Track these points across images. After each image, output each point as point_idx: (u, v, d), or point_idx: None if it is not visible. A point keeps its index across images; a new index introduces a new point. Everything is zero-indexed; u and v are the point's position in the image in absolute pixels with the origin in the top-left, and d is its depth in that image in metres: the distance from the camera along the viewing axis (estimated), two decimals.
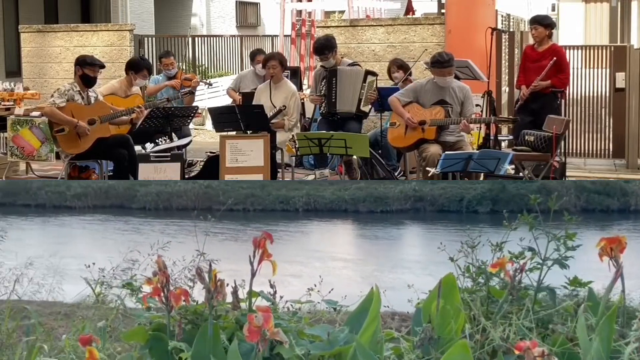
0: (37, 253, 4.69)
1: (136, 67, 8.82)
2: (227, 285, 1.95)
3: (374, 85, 8.69)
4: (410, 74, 9.26)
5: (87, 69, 7.81)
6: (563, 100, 9.18)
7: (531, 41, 9.12)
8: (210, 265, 1.94)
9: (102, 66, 8.10)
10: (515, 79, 9.76)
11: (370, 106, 8.74)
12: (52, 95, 7.94)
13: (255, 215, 17.00)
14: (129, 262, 3.63)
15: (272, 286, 2.13)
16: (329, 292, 2.70)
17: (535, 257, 2.11)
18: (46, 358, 2.83)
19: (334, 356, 1.85)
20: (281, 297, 2.21)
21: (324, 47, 8.68)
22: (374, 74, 8.84)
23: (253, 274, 1.93)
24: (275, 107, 8.15)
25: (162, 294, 1.93)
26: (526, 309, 1.96)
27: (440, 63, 7.46)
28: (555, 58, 8.68)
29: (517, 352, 1.67)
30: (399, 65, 9.35)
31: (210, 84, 12.33)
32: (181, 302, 1.94)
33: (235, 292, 1.97)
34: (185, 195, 17.29)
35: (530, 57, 8.96)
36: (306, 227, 16.44)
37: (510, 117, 8.72)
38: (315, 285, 2.86)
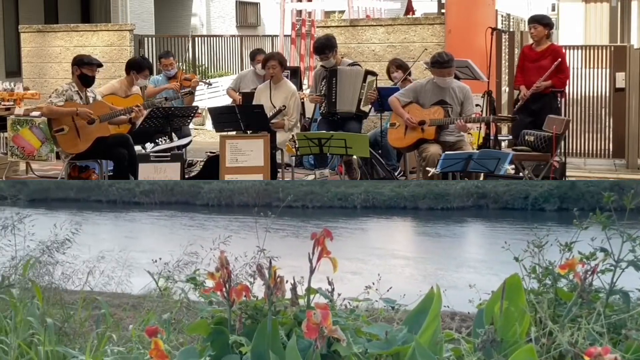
0: (108, 247, 4.81)
1: (138, 67, 8.84)
2: (287, 281, 1.97)
3: (374, 85, 8.69)
4: (409, 74, 9.26)
5: (85, 69, 7.81)
6: (563, 100, 9.18)
7: (531, 41, 9.12)
8: (270, 262, 1.96)
9: (100, 65, 8.11)
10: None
11: (370, 106, 8.74)
12: (50, 96, 7.95)
13: (314, 212, 17.05)
14: (189, 255, 3.76)
15: (330, 283, 2.13)
16: (387, 290, 2.68)
17: (608, 258, 2.01)
18: (115, 347, 2.99)
19: (391, 355, 1.83)
20: (339, 295, 2.19)
21: (325, 46, 8.68)
22: (373, 73, 8.84)
23: (312, 271, 1.93)
24: (275, 107, 8.15)
25: (224, 289, 1.97)
26: (597, 313, 1.87)
27: (440, 63, 7.46)
28: (559, 59, 8.69)
29: (587, 358, 1.59)
30: (398, 65, 9.35)
31: (209, 84, 12.33)
32: (242, 298, 1.97)
33: (294, 289, 1.99)
34: (246, 192, 17.47)
35: (528, 57, 8.95)
36: (365, 224, 16.36)
37: (509, 115, 8.72)
38: (373, 284, 2.83)
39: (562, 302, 2.03)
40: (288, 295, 1.98)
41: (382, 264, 10.52)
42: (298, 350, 1.78)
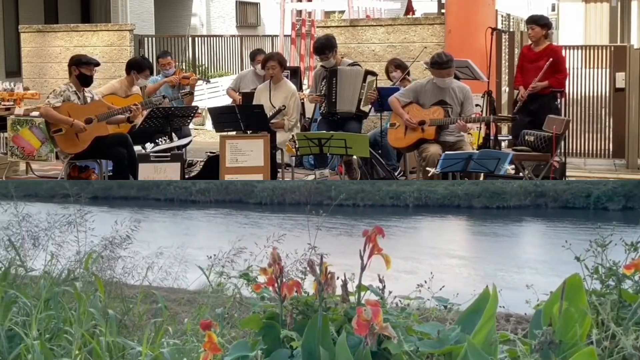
0: (166, 243, 4.99)
1: (138, 67, 8.84)
2: (337, 278, 1.97)
3: (374, 85, 8.69)
4: (408, 74, 9.26)
5: (83, 68, 7.81)
6: (563, 100, 9.17)
7: (530, 42, 9.12)
8: (321, 259, 1.96)
9: (97, 64, 8.10)
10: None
11: (370, 106, 8.74)
12: (47, 97, 7.94)
13: (365, 211, 17.01)
14: (240, 250, 3.90)
15: (381, 281, 2.12)
16: (440, 289, 2.65)
17: None
18: (170, 339, 3.12)
19: (443, 355, 1.81)
20: (390, 293, 2.18)
21: (325, 46, 8.68)
22: (373, 73, 8.84)
23: (363, 268, 1.93)
24: (274, 107, 8.15)
25: (275, 285, 1.99)
26: None
27: (439, 64, 7.46)
28: (551, 59, 8.66)
29: None
30: (397, 65, 9.35)
31: (208, 80, 12.32)
32: (293, 293, 2.00)
33: (344, 285, 1.99)
34: (298, 191, 17.53)
35: (527, 57, 8.95)
36: (418, 223, 16.27)
37: (509, 115, 8.72)
38: (425, 282, 2.82)
39: (627, 304, 1.96)
40: (339, 292, 1.98)
41: (434, 262, 10.42)
42: (348, 346, 1.77)
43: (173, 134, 8.79)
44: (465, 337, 1.78)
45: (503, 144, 9.24)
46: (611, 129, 10.58)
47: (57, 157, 8.97)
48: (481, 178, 7.75)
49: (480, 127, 8.05)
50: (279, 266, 1.99)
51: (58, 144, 7.77)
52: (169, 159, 7.80)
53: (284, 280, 1.99)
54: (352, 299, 1.99)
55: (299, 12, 18.69)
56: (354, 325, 1.74)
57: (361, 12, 18.79)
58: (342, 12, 20.34)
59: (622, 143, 10.26)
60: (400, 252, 10.40)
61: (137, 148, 8.20)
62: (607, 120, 10.75)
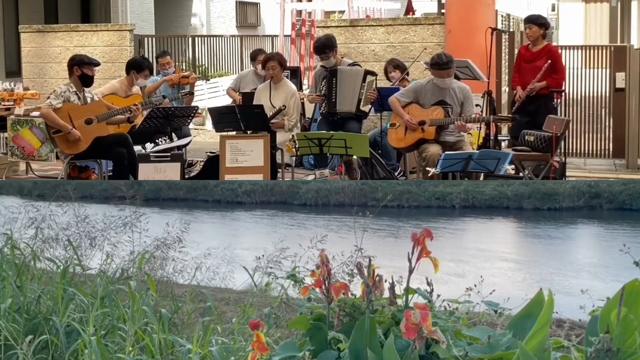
0: (214, 244, 5.14)
1: (138, 66, 8.83)
2: (385, 281, 1.96)
3: (374, 85, 8.69)
4: (407, 74, 9.26)
5: (85, 69, 7.81)
6: (560, 101, 9.17)
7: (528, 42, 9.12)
8: (369, 261, 1.96)
9: (98, 64, 8.11)
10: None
11: (370, 106, 8.74)
12: (48, 97, 7.94)
13: (410, 212, 16.88)
14: (284, 250, 4.00)
15: (429, 284, 2.11)
16: (490, 293, 2.61)
17: None
18: (219, 338, 3.21)
19: None
20: (438, 296, 2.16)
21: (325, 46, 8.68)
22: (373, 73, 8.84)
23: (411, 271, 1.92)
24: (274, 107, 8.15)
25: (323, 287, 1.99)
26: None
27: (439, 65, 7.46)
28: (549, 60, 8.66)
29: None
30: (395, 66, 9.35)
31: (208, 79, 12.32)
32: (340, 295, 1.99)
33: (392, 288, 1.99)
34: (342, 192, 17.54)
35: (524, 57, 8.94)
36: (466, 225, 16.05)
37: (509, 115, 8.72)
38: (475, 285, 2.79)
39: None
40: (386, 294, 1.98)
41: (483, 265, 10.26)
42: (396, 349, 1.75)
43: (173, 134, 8.79)
44: (517, 342, 1.72)
45: (503, 144, 9.23)
46: (611, 129, 10.58)
47: (57, 157, 8.97)
48: (481, 178, 7.75)
49: (480, 127, 8.05)
50: (327, 268, 2.00)
51: (58, 144, 7.76)
52: (169, 159, 7.80)
53: (332, 282, 1.99)
54: (399, 301, 1.98)
55: (299, 12, 18.69)
56: (402, 329, 1.72)
57: (361, 12, 18.79)
58: (342, 12, 20.35)
59: (622, 143, 10.26)
60: (448, 254, 10.25)
61: (137, 148, 8.20)
62: (607, 120, 10.75)
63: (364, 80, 8.59)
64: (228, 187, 18.46)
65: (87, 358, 2.97)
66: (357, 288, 2.02)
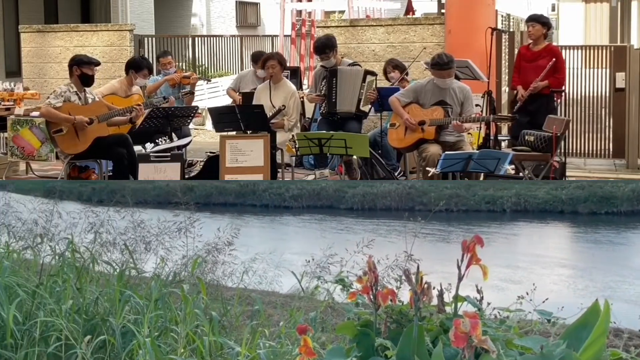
0: (262, 248, 5.25)
1: (136, 66, 8.82)
2: (434, 288, 1.94)
3: (373, 85, 8.69)
4: (407, 74, 9.26)
5: (85, 68, 7.80)
6: (560, 101, 9.17)
7: (529, 41, 9.12)
8: (417, 267, 1.95)
9: (98, 63, 8.09)
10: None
11: (370, 106, 8.74)
12: (48, 97, 7.94)
13: (459, 216, 16.68)
14: (328, 256, 4.09)
15: (479, 291, 2.06)
16: (543, 301, 2.56)
17: None
18: (266, 341, 3.27)
19: None
20: (488, 304, 2.11)
21: (325, 46, 8.69)
22: (373, 73, 8.84)
23: (460, 278, 1.88)
24: (275, 107, 8.16)
25: (370, 293, 1.98)
26: None
27: (440, 65, 7.46)
28: (554, 59, 8.68)
29: None
30: (395, 66, 9.35)
31: (209, 79, 12.31)
32: (388, 302, 1.98)
33: (441, 296, 1.96)
34: (389, 195, 17.50)
35: (525, 56, 8.94)
36: (518, 229, 15.75)
37: (509, 115, 8.72)
38: (527, 293, 2.74)
39: None
40: (434, 302, 1.95)
41: (537, 272, 10.07)
42: (444, 358, 1.72)
43: (173, 134, 8.79)
44: (572, 353, 1.68)
45: (503, 144, 9.23)
46: (611, 129, 10.58)
47: (57, 157, 8.97)
48: (481, 178, 7.75)
49: (480, 127, 8.05)
50: (375, 274, 1.98)
51: (58, 144, 7.76)
52: (169, 159, 7.80)
53: (379, 288, 1.98)
54: (448, 309, 1.95)
55: (299, 12, 18.69)
56: (451, 337, 1.69)
57: (361, 12, 18.79)
58: (342, 12, 20.35)
59: (622, 143, 10.26)
60: (501, 260, 10.10)
61: (137, 148, 8.20)
62: (607, 120, 10.74)
63: (363, 80, 8.59)
64: (276, 192, 18.72)
65: (142, 358, 3.07)
66: (404, 294, 2.01)
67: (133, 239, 4.31)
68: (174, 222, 4.40)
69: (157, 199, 15.99)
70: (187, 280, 3.93)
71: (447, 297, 1.96)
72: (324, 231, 15.65)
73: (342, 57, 9.28)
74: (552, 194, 16.58)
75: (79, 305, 3.59)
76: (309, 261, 4.05)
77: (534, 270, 10.43)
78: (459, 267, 1.86)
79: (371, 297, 1.98)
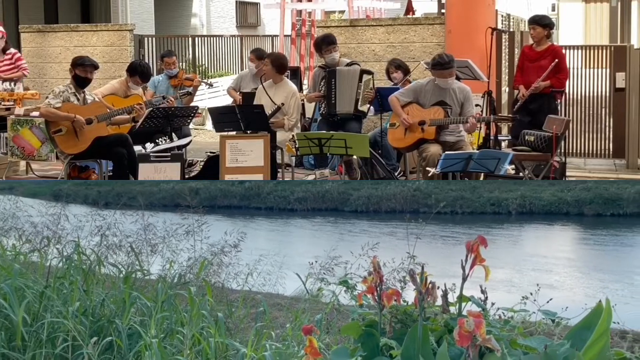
0: (267, 251, 5.30)
1: (132, 70, 8.86)
2: (438, 288, 1.95)
3: (371, 84, 8.69)
4: (409, 76, 9.26)
5: (78, 70, 7.82)
6: (561, 101, 9.18)
7: (531, 41, 9.12)
8: (422, 268, 1.95)
9: (96, 66, 8.04)
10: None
11: (368, 105, 8.74)
12: (47, 97, 7.95)
13: (464, 219, 16.58)
14: (332, 258, 4.12)
15: (483, 292, 2.07)
16: (547, 302, 2.56)
17: None
18: (272, 343, 3.30)
19: None
20: (492, 304, 2.12)
21: (323, 42, 8.80)
22: (369, 72, 8.84)
23: (464, 279, 1.89)
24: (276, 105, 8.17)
25: (375, 293, 1.99)
26: None
27: (440, 65, 7.45)
28: (557, 60, 8.69)
29: None
30: (397, 66, 9.35)
31: (211, 85, 12.32)
32: (392, 302, 1.98)
33: (445, 296, 1.97)
34: (394, 198, 17.46)
35: (528, 56, 8.95)
36: (523, 231, 15.70)
37: (510, 115, 8.73)
38: (531, 294, 2.74)
39: None
40: (439, 302, 1.96)
41: (539, 274, 10.01)
42: (449, 357, 1.73)
43: (173, 134, 8.78)
44: (575, 353, 1.68)
45: (503, 144, 9.23)
46: (611, 129, 10.58)
47: (57, 157, 8.97)
48: (481, 178, 7.75)
49: (480, 127, 8.05)
50: (379, 275, 1.99)
51: (58, 144, 7.76)
52: (169, 159, 7.80)
53: (383, 288, 1.99)
54: (452, 309, 1.96)
55: (299, 12, 18.69)
56: (455, 336, 1.70)
57: (361, 12, 18.78)
58: (342, 12, 20.35)
59: (622, 143, 10.25)
60: (502, 261, 10.06)
61: (137, 148, 8.20)
62: (607, 120, 10.74)
63: (360, 80, 8.60)
64: (280, 195, 18.78)
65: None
66: (409, 295, 2.01)
67: (139, 241, 4.33)
68: (181, 225, 4.42)
69: (162, 201, 16.03)
70: (193, 282, 3.95)
71: (452, 297, 1.97)
72: (327, 233, 15.67)
73: (340, 57, 9.29)
74: (557, 195, 16.54)
75: (86, 307, 3.62)
76: (311, 264, 4.06)
77: (539, 271, 10.41)
78: (463, 268, 1.87)
79: (376, 297, 1.98)
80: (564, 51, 9.61)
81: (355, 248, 3.87)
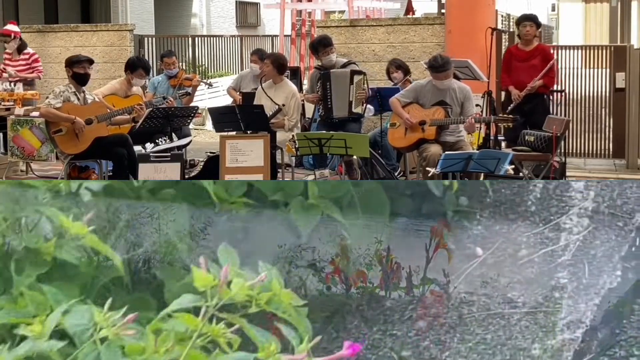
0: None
1: (131, 66, 8.80)
2: (403, 269, 1.97)
3: (362, 85, 8.69)
4: (410, 76, 9.26)
5: (75, 68, 7.81)
6: (553, 98, 9.21)
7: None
8: (388, 249, 1.98)
9: (91, 61, 8.03)
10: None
11: (363, 106, 8.73)
12: (47, 97, 7.95)
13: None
14: (300, 245, 3.98)
15: (446, 276, 2.14)
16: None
17: None
18: None
19: None
20: (455, 287, 2.19)
21: (319, 44, 8.79)
22: (360, 72, 8.84)
23: (428, 261, 1.99)
24: (277, 105, 8.18)
25: (342, 274, 2.09)
26: None
27: (435, 68, 7.45)
28: (553, 60, 8.72)
29: None
30: (398, 66, 9.36)
31: (210, 85, 12.32)
32: (359, 283, 2.05)
33: (409, 277, 2.04)
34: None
35: (517, 56, 8.95)
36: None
37: (510, 116, 8.73)
38: (491, 279, 2.77)
39: None
40: (403, 283, 1.99)
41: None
42: None
43: (173, 134, 8.78)
44: None
45: (503, 144, 9.24)
46: (611, 129, 10.58)
47: (57, 157, 8.97)
48: (481, 178, 7.75)
49: (480, 127, 8.05)
50: (347, 257, 2.02)
51: (58, 144, 7.77)
52: (169, 159, 7.79)
53: (351, 271, 2.02)
54: (416, 291, 2.01)
55: (299, 12, 18.70)
56: None
57: (361, 12, 18.80)
58: (342, 12, 20.36)
59: (622, 143, 10.26)
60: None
61: (137, 148, 8.20)
62: (607, 120, 10.75)
63: (351, 82, 8.60)
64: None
65: None
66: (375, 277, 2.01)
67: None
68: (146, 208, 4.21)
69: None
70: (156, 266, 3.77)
71: (416, 280, 2.01)
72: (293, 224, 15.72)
73: (337, 57, 9.30)
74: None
75: None
76: (281, 247, 4.03)
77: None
78: (427, 250, 1.92)
79: (342, 278, 2.00)
80: (562, 51, 9.64)
81: (324, 237, 3.87)
